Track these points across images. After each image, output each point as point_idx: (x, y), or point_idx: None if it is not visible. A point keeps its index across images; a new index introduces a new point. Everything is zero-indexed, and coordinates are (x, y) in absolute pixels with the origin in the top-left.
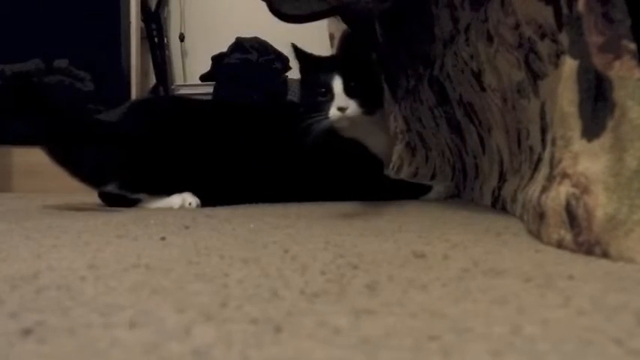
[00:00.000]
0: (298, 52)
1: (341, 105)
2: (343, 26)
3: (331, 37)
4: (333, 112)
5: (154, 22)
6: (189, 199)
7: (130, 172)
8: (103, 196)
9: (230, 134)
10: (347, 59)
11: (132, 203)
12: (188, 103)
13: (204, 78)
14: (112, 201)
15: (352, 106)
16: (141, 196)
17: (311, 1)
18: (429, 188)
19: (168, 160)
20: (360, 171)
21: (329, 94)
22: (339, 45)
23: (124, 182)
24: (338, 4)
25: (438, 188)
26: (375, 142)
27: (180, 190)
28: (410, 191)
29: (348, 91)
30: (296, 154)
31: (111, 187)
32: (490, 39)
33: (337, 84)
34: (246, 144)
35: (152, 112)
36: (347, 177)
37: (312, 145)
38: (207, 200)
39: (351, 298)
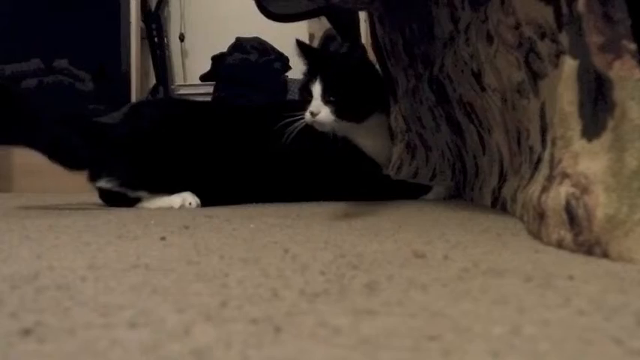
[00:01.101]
0: (304, 47)
1: (312, 110)
2: (324, 26)
3: (311, 37)
4: (307, 114)
5: (154, 22)
6: (189, 198)
7: (131, 169)
8: (103, 194)
9: (229, 135)
10: (330, 62)
11: (132, 202)
12: (187, 104)
13: (204, 78)
14: (112, 200)
15: (324, 112)
16: (141, 194)
17: (299, 0)
18: (428, 188)
19: (169, 159)
20: (359, 171)
21: (311, 96)
22: (320, 46)
23: (125, 180)
24: (326, 4)
25: (438, 188)
26: (369, 144)
27: (180, 190)
28: (410, 191)
29: (325, 96)
30: (296, 154)
31: (111, 185)
32: (490, 39)
33: (317, 87)
34: (246, 144)
35: (153, 113)
36: (347, 177)
37: (312, 145)
38: (208, 200)
39: (351, 298)
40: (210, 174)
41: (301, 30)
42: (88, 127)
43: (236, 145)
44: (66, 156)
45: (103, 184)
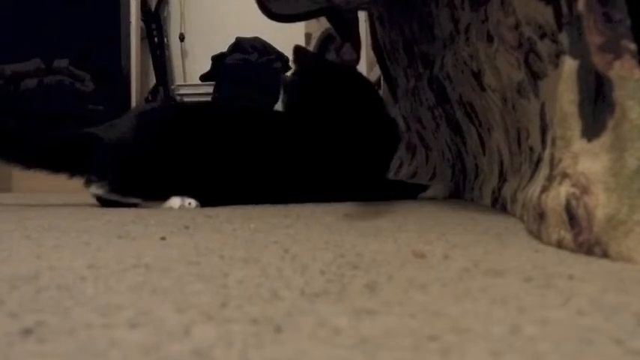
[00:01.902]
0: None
1: None
2: (322, 26)
3: (308, 37)
4: None
5: (154, 22)
6: (188, 198)
7: (120, 177)
8: (99, 199)
9: (226, 139)
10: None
11: (129, 205)
12: (185, 109)
13: (204, 78)
14: (109, 204)
15: None
16: (134, 200)
17: (301, 0)
18: (427, 187)
19: (161, 167)
20: (357, 172)
21: None
22: (318, 47)
23: (115, 187)
24: (327, 4)
25: (437, 186)
26: None
27: (175, 194)
28: (408, 191)
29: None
30: (294, 155)
31: (102, 191)
32: (490, 39)
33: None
34: (242, 147)
35: (144, 121)
36: (345, 178)
37: (310, 146)
38: (205, 204)
39: (351, 298)
40: (206, 180)
41: (298, 30)
42: (79, 137)
43: (233, 149)
44: (62, 166)
45: (94, 190)
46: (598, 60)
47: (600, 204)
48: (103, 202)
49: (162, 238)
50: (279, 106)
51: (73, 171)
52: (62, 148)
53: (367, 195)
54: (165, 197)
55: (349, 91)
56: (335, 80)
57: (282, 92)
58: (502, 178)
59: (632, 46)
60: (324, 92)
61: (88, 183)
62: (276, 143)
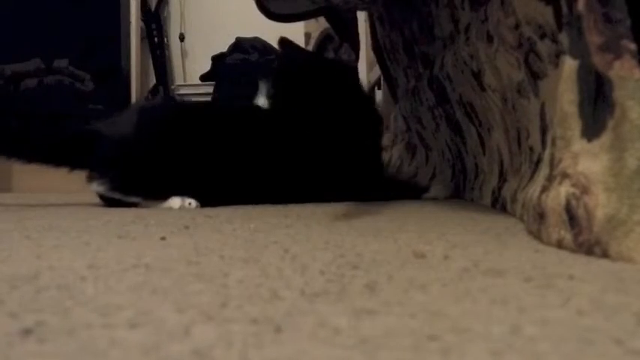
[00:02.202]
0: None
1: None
2: (321, 26)
3: (307, 36)
4: None
5: (154, 22)
6: (188, 199)
7: (121, 175)
8: (101, 197)
9: (227, 138)
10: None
11: (130, 204)
12: (186, 108)
13: (204, 78)
14: (110, 203)
15: None
16: (135, 199)
17: (299, 0)
18: (427, 187)
19: (161, 166)
20: (358, 172)
21: None
22: (316, 46)
23: (115, 185)
24: (326, 4)
25: (437, 187)
26: None
27: (175, 194)
28: (409, 191)
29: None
30: (293, 155)
31: (102, 189)
32: (490, 39)
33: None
34: (243, 147)
35: (143, 120)
36: (345, 178)
37: (310, 146)
38: (205, 204)
39: (351, 298)
40: (206, 180)
41: (298, 30)
42: (80, 132)
43: (233, 149)
44: (62, 160)
45: (95, 187)
46: (598, 60)
47: (600, 204)
48: (105, 201)
49: (163, 238)
50: (263, 100)
51: (73, 165)
52: (62, 143)
53: (368, 195)
54: (165, 197)
55: (336, 83)
56: (321, 73)
57: (263, 84)
58: (502, 178)
59: (632, 46)
60: (311, 85)
61: (90, 180)
62: (276, 143)
